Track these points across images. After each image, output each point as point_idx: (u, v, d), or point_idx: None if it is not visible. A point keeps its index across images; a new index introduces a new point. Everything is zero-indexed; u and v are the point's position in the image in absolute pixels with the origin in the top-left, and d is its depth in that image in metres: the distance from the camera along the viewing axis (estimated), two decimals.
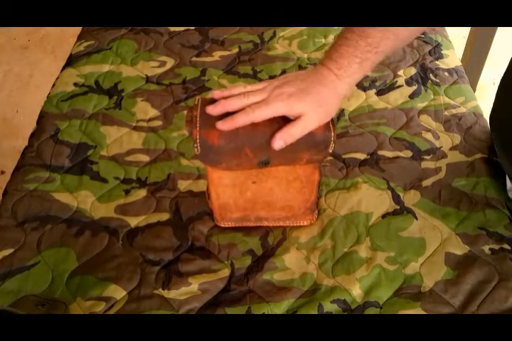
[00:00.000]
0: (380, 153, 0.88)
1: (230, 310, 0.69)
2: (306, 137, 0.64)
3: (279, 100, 0.62)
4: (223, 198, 0.73)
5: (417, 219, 0.78)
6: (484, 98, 1.64)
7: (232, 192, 0.72)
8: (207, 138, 0.64)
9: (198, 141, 0.64)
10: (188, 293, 0.70)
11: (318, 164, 0.69)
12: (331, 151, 0.65)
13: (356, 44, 0.62)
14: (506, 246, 0.74)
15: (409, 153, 0.88)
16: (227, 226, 0.77)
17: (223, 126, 0.62)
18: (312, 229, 0.77)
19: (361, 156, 0.88)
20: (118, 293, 0.70)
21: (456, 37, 1.34)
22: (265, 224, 0.77)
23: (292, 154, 0.65)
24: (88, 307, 0.69)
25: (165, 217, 0.80)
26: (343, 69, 0.63)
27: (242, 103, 0.63)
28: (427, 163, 0.86)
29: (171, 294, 0.70)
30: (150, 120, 0.96)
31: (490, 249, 0.74)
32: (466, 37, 1.51)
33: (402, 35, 0.66)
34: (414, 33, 0.69)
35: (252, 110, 0.61)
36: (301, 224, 0.77)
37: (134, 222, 0.79)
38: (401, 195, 0.82)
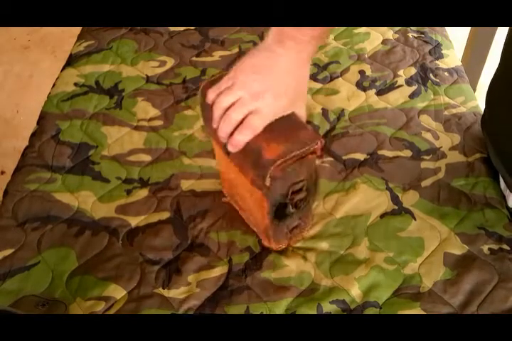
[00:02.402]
0: (380, 152, 0.88)
1: (229, 309, 0.69)
2: (254, 153, 0.61)
3: (268, 110, 0.61)
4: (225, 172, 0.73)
5: (415, 219, 0.78)
6: (484, 98, 1.64)
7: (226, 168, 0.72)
8: (206, 94, 0.65)
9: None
10: (187, 291, 0.71)
11: (264, 196, 0.64)
12: (267, 184, 0.60)
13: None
14: (505, 247, 0.74)
15: (408, 153, 0.88)
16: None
17: (234, 149, 0.62)
18: (309, 232, 0.77)
19: (361, 157, 0.88)
20: (118, 292, 0.70)
21: (456, 37, 1.34)
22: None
23: (240, 160, 0.64)
24: (88, 307, 0.69)
25: (165, 215, 0.80)
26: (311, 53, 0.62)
27: (232, 122, 0.62)
28: (427, 163, 0.86)
29: (171, 293, 0.70)
30: (151, 119, 0.96)
31: (489, 249, 0.74)
32: (466, 37, 1.51)
33: None
34: None
35: (250, 125, 0.61)
36: (265, 244, 0.74)
37: (134, 221, 0.79)
38: (400, 195, 0.82)
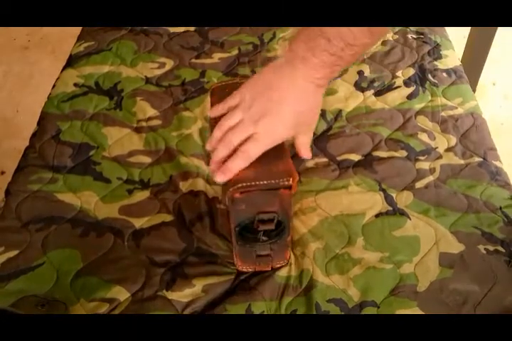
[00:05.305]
0: (375, 153, 0.89)
1: (230, 307, 0.69)
2: None
3: (266, 137, 0.59)
4: None
5: (410, 219, 0.79)
6: (484, 98, 1.64)
7: None
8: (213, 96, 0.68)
9: None
10: (191, 294, 0.71)
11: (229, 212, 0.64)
12: (225, 203, 0.61)
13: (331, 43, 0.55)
14: (500, 249, 0.74)
15: (404, 153, 0.88)
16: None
17: (223, 177, 0.59)
18: (302, 230, 0.77)
19: (355, 158, 0.88)
20: (122, 294, 0.71)
21: (456, 37, 1.34)
22: None
23: None
24: (92, 309, 0.69)
25: (168, 218, 0.80)
26: (326, 78, 0.57)
27: (230, 146, 0.60)
28: (422, 164, 0.87)
29: (174, 295, 0.71)
30: (149, 119, 0.96)
31: (485, 249, 0.75)
32: (466, 37, 1.51)
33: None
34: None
35: (245, 153, 0.59)
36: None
37: (138, 223, 0.80)
38: (394, 195, 0.82)
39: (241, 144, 0.59)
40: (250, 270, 0.73)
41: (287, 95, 0.57)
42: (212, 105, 0.67)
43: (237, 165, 0.59)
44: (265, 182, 0.59)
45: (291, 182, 0.59)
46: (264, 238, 0.66)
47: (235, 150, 0.59)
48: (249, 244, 0.68)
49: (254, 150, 0.59)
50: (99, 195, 0.83)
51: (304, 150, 0.64)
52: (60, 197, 0.83)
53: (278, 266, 0.73)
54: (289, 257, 0.74)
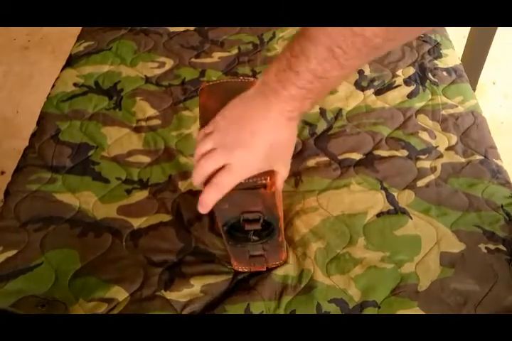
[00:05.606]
0: (376, 152, 0.89)
1: (229, 307, 0.69)
2: None
3: (239, 168, 0.57)
4: None
5: (411, 218, 0.79)
6: (484, 97, 1.64)
7: None
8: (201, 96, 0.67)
9: None
10: (189, 294, 0.71)
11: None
12: None
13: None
14: (502, 247, 0.74)
15: (405, 153, 0.88)
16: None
17: (202, 210, 0.59)
18: (303, 230, 0.77)
19: (357, 156, 0.88)
20: (120, 294, 0.71)
21: (456, 37, 1.34)
22: None
23: None
24: (90, 309, 0.69)
25: (167, 218, 0.80)
26: (297, 111, 0.55)
27: (203, 172, 0.58)
28: (423, 163, 0.87)
29: (173, 295, 0.71)
30: (149, 119, 0.96)
31: (486, 248, 0.74)
32: (466, 37, 1.51)
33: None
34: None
35: (218, 185, 0.57)
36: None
37: (136, 223, 0.79)
38: (395, 195, 0.82)
39: (215, 173, 0.58)
40: (246, 270, 0.73)
41: (260, 127, 0.56)
42: (201, 105, 0.66)
43: (211, 198, 0.58)
44: (242, 181, 0.59)
45: (268, 180, 0.59)
46: (255, 238, 0.66)
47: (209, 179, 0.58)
48: (240, 244, 0.68)
49: (227, 182, 0.57)
50: (97, 195, 0.83)
51: (278, 185, 0.62)
52: (58, 197, 0.83)
53: (273, 266, 0.73)
54: (285, 258, 0.73)
